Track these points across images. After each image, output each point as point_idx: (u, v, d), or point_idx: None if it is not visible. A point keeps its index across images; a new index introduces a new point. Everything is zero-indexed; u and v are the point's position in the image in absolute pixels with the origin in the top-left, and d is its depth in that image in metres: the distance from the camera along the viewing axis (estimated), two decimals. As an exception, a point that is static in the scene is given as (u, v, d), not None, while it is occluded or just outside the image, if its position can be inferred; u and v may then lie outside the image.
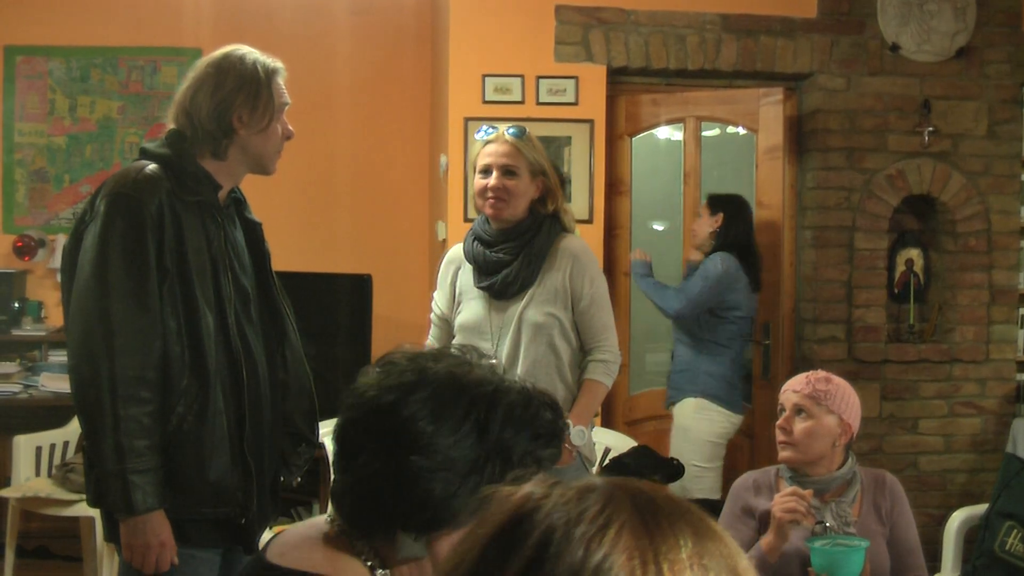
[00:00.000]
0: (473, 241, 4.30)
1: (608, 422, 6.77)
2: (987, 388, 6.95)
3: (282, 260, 7.27)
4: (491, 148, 4.20)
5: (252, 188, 7.67)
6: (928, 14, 6.84)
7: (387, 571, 1.83)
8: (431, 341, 4.40)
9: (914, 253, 7.06)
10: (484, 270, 4.25)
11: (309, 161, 7.55)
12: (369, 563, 1.82)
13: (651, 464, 5.47)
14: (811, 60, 6.83)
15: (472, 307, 4.28)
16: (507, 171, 4.17)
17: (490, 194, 4.17)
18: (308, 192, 7.59)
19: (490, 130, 4.28)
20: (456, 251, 4.42)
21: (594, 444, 4.47)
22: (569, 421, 4.08)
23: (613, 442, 5.69)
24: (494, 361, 1.95)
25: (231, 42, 7.41)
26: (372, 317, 6.72)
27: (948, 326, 6.96)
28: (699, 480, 5.79)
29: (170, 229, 3.19)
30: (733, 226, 6.04)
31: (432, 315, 4.46)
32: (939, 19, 6.86)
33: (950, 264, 6.95)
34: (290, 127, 3.73)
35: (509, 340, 4.20)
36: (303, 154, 7.55)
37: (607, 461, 5.45)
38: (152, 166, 3.29)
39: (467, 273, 4.33)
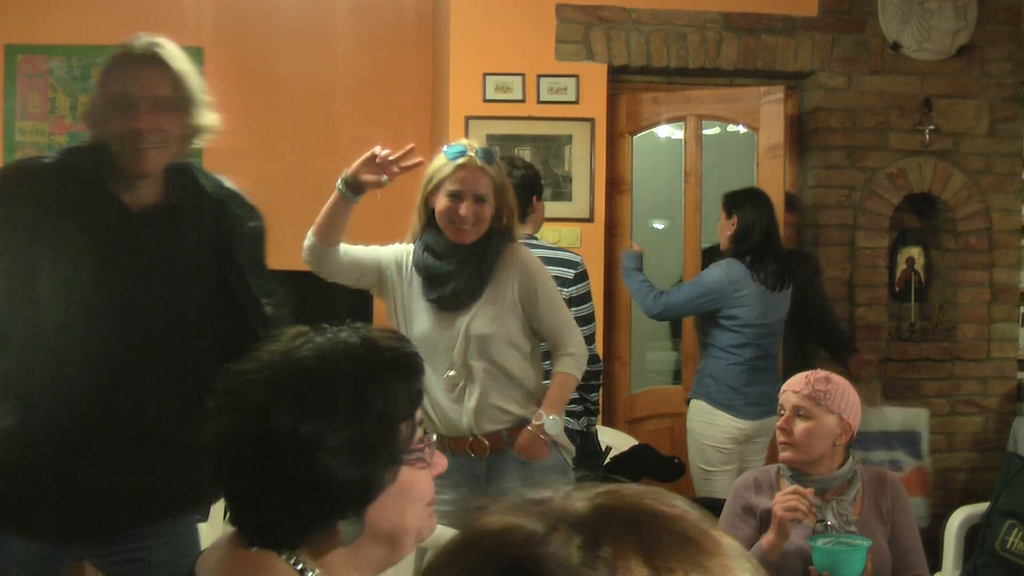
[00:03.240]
0: (424, 252, 4.28)
1: (609, 421, 6.77)
2: (988, 387, 6.96)
3: (283, 260, 7.31)
4: (463, 175, 4.16)
5: (253, 186, 7.67)
6: (929, 12, 6.84)
7: (317, 571, 1.81)
8: (356, 251, 4.48)
9: (915, 251, 7.06)
10: (432, 282, 4.25)
11: (309, 159, 7.55)
12: (300, 567, 1.81)
13: (652, 463, 5.48)
14: (812, 58, 6.83)
15: (421, 320, 4.27)
16: (478, 199, 4.17)
17: (463, 224, 4.16)
18: (309, 191, 7.57)
19: (460, 150, 4.23)
20: (404, 251, 4.41)
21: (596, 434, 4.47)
22: (541, 411, 4.16)
23: (614, 441, 5.69)
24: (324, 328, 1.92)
25: (232, 41, 7.49)
26: (373, 317, 6.72)
27: (949, 324, 6.96)
28: (706, 482, 5.76)
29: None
30: (748, 228, 5.86)
31: (363, 247, 4.48)
32: (940, 17, 6.86)
33: (951, 262, 6.95)
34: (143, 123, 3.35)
35: (458, 352, 4.20)
36: (304, 152, 7.56)
37: (607, 460, 5.46)
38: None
39: (414, 280, 4.32)
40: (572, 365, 4.29)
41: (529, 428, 4.17)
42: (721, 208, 6.02)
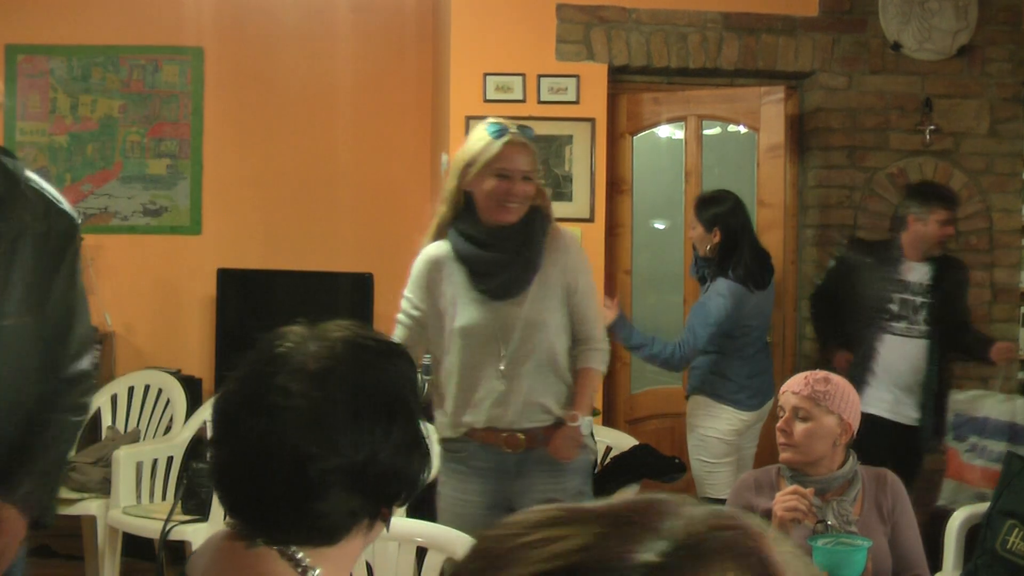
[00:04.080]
0: (465, 242, 4.14)
1: (609, 421, 6.77)
2: (989, 386, 6.93)
3: (283, 259, 7.33)
4: (510, 152, 4.04)
5: (253, 186, 7.71)
6: (929, 12, 6.84)
7: (319, 571, 1.81)
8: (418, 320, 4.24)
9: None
10: (481, 272, 4.13)
11: (310, 159, 7.57)
12: (300, 568, 1.80)
13: (652, 463, 5.47)
14: (812, 59, 6.83)
15: (470, 311, 4.14)
16: (525, 177, 4.07)
17: (513, 203, 4.06)
18: (309, 191, 7.59)
19: (501, 127, 4.10)
20: (435, 252, 4.21)
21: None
22: (576, 413, 4.15)
23: (614, 441, 5.69)
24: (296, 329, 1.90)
25: (231, 41, 7.50)
26: (373, 316, 6.73)
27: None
28: (710, 476, 5.76)
29: None
30: (733, 239, 5.76)
31: (401, 316, 4.27)
32: (940, 17, 6.86)
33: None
34: None
35: (515, 340, 4.13)
36: (304, 152, 7.57)
37: (608, 460, 5.46)
38: None
39: (456, 275, 4.17)
40: (600, 360, 4.29)
41: (566, 429, 4.16)
42: (696, 219, 5.88)
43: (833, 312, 6.35)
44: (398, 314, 4.27)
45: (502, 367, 4.12)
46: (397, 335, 4.21)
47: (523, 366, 4.13)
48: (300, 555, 1.79)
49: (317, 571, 1.79)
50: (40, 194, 3.30)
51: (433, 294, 4.18)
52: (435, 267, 4.18)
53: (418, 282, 4.21)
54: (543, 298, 4.16)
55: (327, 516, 1.78)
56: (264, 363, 1.83)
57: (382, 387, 1.83)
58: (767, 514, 3.60)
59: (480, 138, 4.10)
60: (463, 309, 4.15)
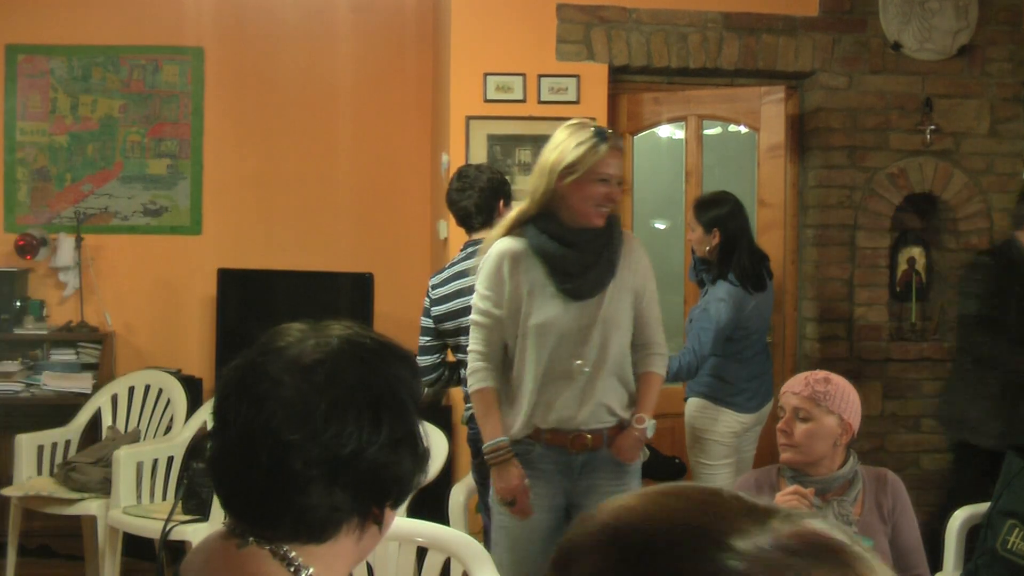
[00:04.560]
0: (549, 240, 4.16)
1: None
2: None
3: (284, 259, 7.33)
4: (612, 158, 4.11)
5: (253, 186, 7.71)
6: (930, 12, 6.84)
7: (312, 569, 1.80)
8: (479, 346, 4.24)
9: (916, 251, 7.06)
10: (565, 270, 4.16)
11: (310, 159, 7.57)
12: (293, 567, 1.79)
13: (653, 463, 5.47)
14: (813, 58, 6.82)
15: (550, 309, 4.16)
16: (619, 181, 4.17)
17: (608, 206, 4.14)
18: (309, 191, 7.60)
19: (602, 131, 4.16)
20: (510, 246, 4.21)
21: None
22: (643, 415, 4.26)
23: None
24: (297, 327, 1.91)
25: (231, 41, 7.50)
26: (373, 316, 6.73)
27: (950, 324, 6.94)
28: (709, 478, 5.76)
29: None
30: (732, 241, 5.75)
31: (480, 316, 4.25)
32: (941, 17, 6.86)
33: (952, 262, 6.94)
34: None
35: (594, 340, 4.18)
36: (304, 152, 7.57)
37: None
38: None
39: (534, 271, 4.18)
40: (662, 365, 4.37)
41: (633, 431, 4.25)
42: (695, 220, 5.86)
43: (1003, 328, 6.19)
44: (473, 315, 4.26)
45: (579, 367, 4.17)
46: (480, 337, 4.23)
47: (599, 367, 4.19)
48: (292, 554, 1.79)
49: (310, 570, 1.79)
50: None
51: (509, 288, 4.19)
52: (512, 261, 4.20)
53: (496, 276, 4.21)
54: (618, 300, 4.23)
55: (310, 510, 1.78)
56: (260, 354, 1.84)
57: (374, 384, 1.82)
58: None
59: (581, 141, 4.12)
60: (542, 306, 4.17)
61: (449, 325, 5.06)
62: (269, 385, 1.79)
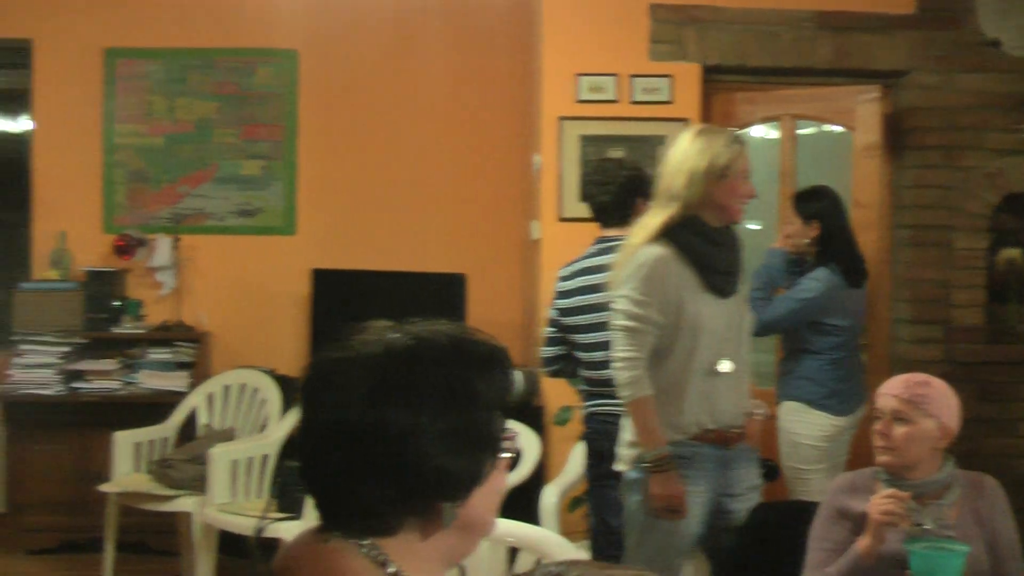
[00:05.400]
0: (699, 240, 4.22)
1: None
2: None
3: (376, 259, 7.37)
4: (746, 155, 4.27)
5: (346, 186, 7.75)
6: (1028, 9, 6.75)
7: (395, 567, 1.80)
8: (634, 352, 4.19)
9: (1015, 253, 6.95)
10: (716, 269, 4.24)
11: (402, 160, 7.60)
12: (381, 559, 1.78)
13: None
14: (908, 57, 6.76)
15: (707, 310, 4.21)
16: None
17: (747, 201, 4.29)
18: (401, 191, 7.63)
19: (735, 132, 4.40)
20: (661, 251, 4.21)
21: None
22: (760, 401, 4.44)
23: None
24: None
25: (325, 44, 7.56)
26: (466, 317, 6.74)
27: (1049, 327, 6.86)
28: (802, 483, 5.71)
29: None
30: (833, 232, 5.74)
31: (639, 324, 4.19)
32: (1040, 14, 6.77)
33: (1051, 264, 6.85)
34: None
35: (742, 338, 4.33)
36: (396, 153, 7.60)
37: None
38: None
39: (685, 275, 4.21)
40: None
41: (761, 419, 4.41)
42: (794, 212, 5.87)
43: None
44: (628, 322, 4.21)
45: (733, 364, 4.25)
46: (634, 343, 4.20)
47: (741, 365, 4.31)
48: (376, 549, 1.78)
49: (394, 568, 1.78)
50: None
51: (667, 292, 4.20)
52: (668, 266, 4.21)
53: (656, 283, 4.20)
54: (744, 294, 4.44)
55: (366, 501, 1.77)
56: (336, 347, 1.85)
57: (441, 379, 1.79)
58: (862, 517, 3.56)
59: (725, 143, 4.23)
60: (699, 308, 4.21)
61: (570, 321, 5.05)
62: (336, 376, 1.80)
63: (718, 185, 4.18)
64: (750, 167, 4.26)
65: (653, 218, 4.26)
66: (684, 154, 4.22)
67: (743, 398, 4.31)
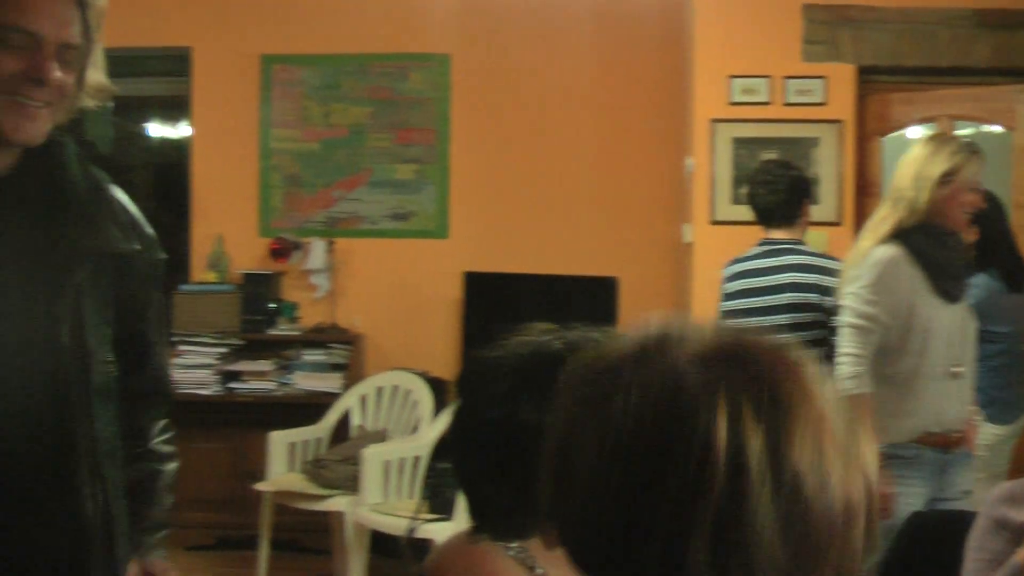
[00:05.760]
0: (933, 244, 4.32)
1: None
2: None
3: (528, 262, 7.39)
4: (979, 168, 4.35)
5: (499, 190, 7.79)
6: None
7: (541, 570, 1.79)
8: (858, 349, 4.27)
9: None
10: (948, 274, 4.34)
11: (554, 164, 7.61)
12: (530, 563, 1.78)
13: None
14: (1072, 54, 6.60)
15: (937, 314, 4.31)
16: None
17: (970, 210, 4.36)
18: (553, 195, 7.64)
19: (972, 143, 4.44)
20: (893, 253, 4.32)
21: None
22: (976, 407, 4.60)
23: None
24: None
25: (477, 47, 7.60)
26: (618, 320, 6.73)
27: None
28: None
29: None
30: (992, 236, 5.68)
31: (866, 322, 4.29)
32: None
33: None
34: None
35: (968, 343, 4.41)
36: (548, 157, 7.61)
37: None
38: None
39: (915, 278, 4.31)
40: None
41: (976, 424, 4.50)
42: None
43: None
44: (857, 319, 4.29)
45: (961, 368, 4.33)
46: (860, 341, 4.28)
47: (971, 367, 4.40)
48: (524, 552, 1.78)
49: (540, 571, 1.78)
50: (127, 212, 2.57)
51: (898, 294, 4.30)
52: (900, 268, 4.31)
53: (887, 284, 4.30)
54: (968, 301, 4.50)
55: (509, 499, 1.77)
56: (508, 343, 1.85)
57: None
58: (1022, 528, 3.48)
59: (952, 152, 4.33)
60: (929, 312, 4.31)
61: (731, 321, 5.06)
62: (483, 375, 1.82)
63: (939, 191, 4.27)
64: (979, 178, 4.33)
65: (882, 221, 4.38)
66: (914, 158, 4.36)
67: (966, 403, 4.37)
